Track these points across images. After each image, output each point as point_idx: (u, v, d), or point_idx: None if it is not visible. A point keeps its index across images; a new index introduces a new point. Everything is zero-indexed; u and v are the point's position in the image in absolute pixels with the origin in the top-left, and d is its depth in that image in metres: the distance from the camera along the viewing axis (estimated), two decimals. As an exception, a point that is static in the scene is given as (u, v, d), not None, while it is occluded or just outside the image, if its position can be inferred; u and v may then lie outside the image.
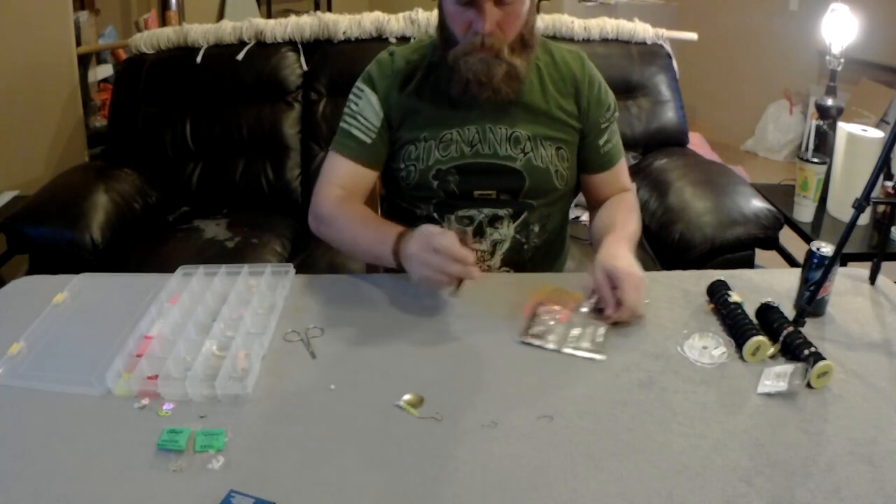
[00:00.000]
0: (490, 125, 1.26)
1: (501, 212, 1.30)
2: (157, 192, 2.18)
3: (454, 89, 1.21)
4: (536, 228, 1.33)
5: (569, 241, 1.47)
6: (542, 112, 1.27)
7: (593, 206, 1.39)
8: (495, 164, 1.27)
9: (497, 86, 1.18)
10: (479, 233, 1.31)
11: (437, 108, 1.26)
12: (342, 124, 1.29)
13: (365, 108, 1.27)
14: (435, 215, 1.31)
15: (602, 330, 1.06)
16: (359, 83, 1.30)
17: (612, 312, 1.06)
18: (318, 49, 2.31)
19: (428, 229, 1.08)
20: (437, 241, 1.04)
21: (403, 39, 2.27)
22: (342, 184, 1.27)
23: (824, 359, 0.95)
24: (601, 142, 1.32)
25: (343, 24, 2.28)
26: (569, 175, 1.31)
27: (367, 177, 1.29)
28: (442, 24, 1.22)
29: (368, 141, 1.27)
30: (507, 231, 1.31)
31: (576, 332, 1.06)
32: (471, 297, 1.16)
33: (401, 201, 1.35)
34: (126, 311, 1.11)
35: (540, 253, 1.35)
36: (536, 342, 1.04)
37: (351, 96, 1.30)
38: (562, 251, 1.44)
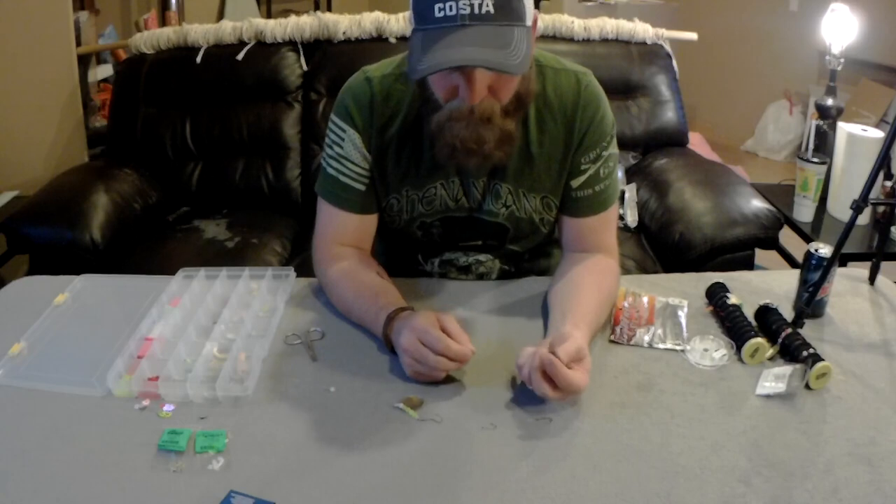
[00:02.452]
0: (473, 179, 1.15)
1: (486, 256, 1.24)
2: (157, 192, 2.18)
3: (439, 154, 1.05)
4: (526, 256, 1.26)
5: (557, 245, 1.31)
6: (526, 161, 1.13)
7: (562, 246, 1.22)
8: (479, 217, 1.18)
9: (488, 153, 1.01)
10: (465, 270, 1.25)
11: (421, 159, 1.13)
12: (328, 168, 1.16)
13: (350, 152, 1.14)
14: (419, 257, 1.26)
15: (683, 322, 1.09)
16: (337, 120, 1.14)
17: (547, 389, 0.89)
18: (318, 49, 2.30)
19: (419, 322, 0.95)
20: (428, 337, 0.93)
21: (403, 39, 2.27)
22: (342, 240, 1.18)
23: (823, 360, 0.95)
24: (575, 183, 1.15)
25: (343, 24, 2.28)
26: (556, 219, 1.21)
27: (369, 223, 1.19)
28: (422, 81, 1.04)
29: (362, 188, 1.15)
30: (492, 265, 1.25)
31: (660, 330, 1.08)
32: (470, 301, 1.16)
33: (386, 238, 1.26)
34: (127, 313, 1.11)
35: (531, 273, 1.29)
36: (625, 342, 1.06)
37: (331, 135, 1.15)
38: (555, 256, 1.33)
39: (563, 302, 1.06)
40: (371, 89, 1.13)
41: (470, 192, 1.16)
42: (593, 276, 1.11)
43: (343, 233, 1.18)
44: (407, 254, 1.27)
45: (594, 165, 1.14)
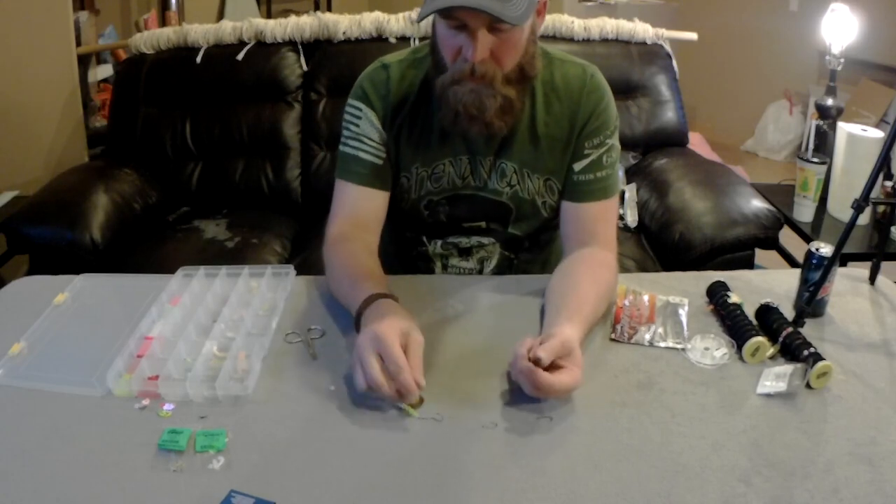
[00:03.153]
0: (480, 157, 1.18)
1: (488, 239, 1.26)
2: (157, 192, 2.18)
3: (443, 119, 1.11)
4: (526, 244, 1.28)
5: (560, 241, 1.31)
6: (532, 141, 1.17)
7: (562, 238, 1.23)
8: (484, 196, 1.21)
9: (489, 120, 1.06)
10: (466, 253, 1.28)
11: (431, 136, 1.18)
12: (344, 149, 1.19)
13: (367, 129, 1.18)
14: (424, 238, 1.28)
15: (684, 321, 1.09)
16: (354, 101, 1.19)
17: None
18: (318, 49, 2.31)
19: (381, 331, 0.90)
20: (385, 349, 0.88)
21: (403, 39, 2.27)
22: (354, 216, 1.18)
23: (823, 359, 0.95)
24: (577, 166, 1.18)
25: (343, 24, 2.28)
26: (557, 204, 1.23)
27: (382, 200, 1.20)
28: (434, 47, 1.11)
29: (380, 162, 1.18)
30: (493, 249, 1.27)
31: (661, 329, 1.07)
32: (470, 298, 1.16)
33: (392, 219, 1.26)
34: (127, 312, 1.11)
35: (531, 263, 1.31)
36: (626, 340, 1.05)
37: (348, 117, 1.20)
38: (554, 251, 1.35)
39: (558, 296, 1.07)
40: (387, 73, 1.19)
41: (477, 170, 1.19)
42: (590, 269, 1.11)
43: (357, 208, 1.19)
44: (411, 235, 1.28)
45: (597, 151, 1.17)
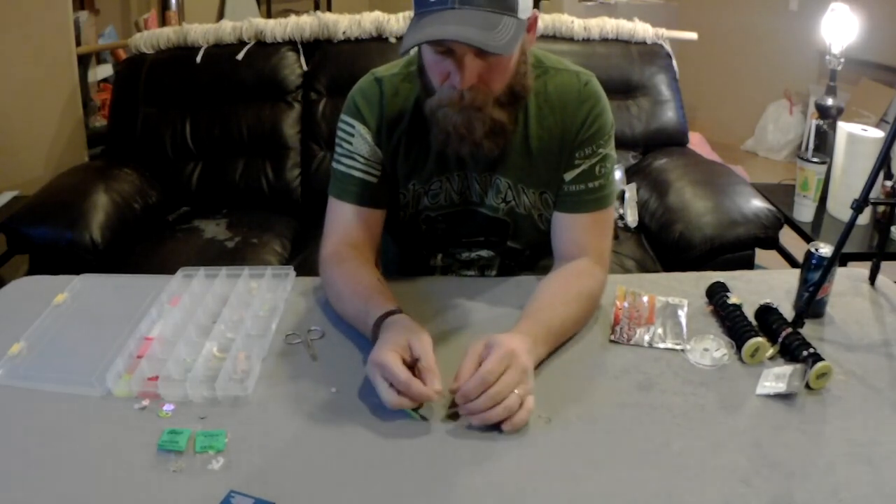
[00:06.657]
0: (475, 173, 1.16)
1: (487, 252, 1.26)
2: (157, 192, 2.18)
3: (434, 140, 1.09)
4: (527, 252, 1.27)
5: None
6: (526, 156, 1.15)
7: (553, 252, 1.20)
8: (480, 213, 1.20)
9: (479, 141, 1.04)
10: (467, 265, 1.28)
11: (427, 154, 1.16)
12: (338, 166, 1.17)
13: (360, 146, 1.15)
14: (424, 252, 1.27)
15: (683, 321, 1.09)
16: (346, 118, 1.17)
17: (458, 385, 0.87)
18: (318, 49, 2.31)
19: (379, 358, 0.90)
20: (388, 373, 0.88)
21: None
22: (351, 236, 1.16)
23: (823, 360, 0.95)
24: (568, 176, 1.14)
25: (343, 24, 2.28)
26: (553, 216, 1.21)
27: (378, 217, 1.19)
28: (421, 69, 1.08)
29: (373, 180, 1.16)
30: (494, 261, 1.27)
31: (660, 330, 1.07)
32: (471, 300, 1.16)
33: (392, 232, 1.26)
34: (126, 313, 1.11)
35: (533, 270, 1.29)
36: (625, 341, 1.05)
37: (341, 133, 1.17)
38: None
39: (526, 307, 1.05)
40: (380, 88, 1.16)
41: (472, 187, 1.18)
42: (564, 278, 1.10)
43: (353, 227, 1.17)
44: (412, 247, 1.28)
45: (588, 161, 1.14)
